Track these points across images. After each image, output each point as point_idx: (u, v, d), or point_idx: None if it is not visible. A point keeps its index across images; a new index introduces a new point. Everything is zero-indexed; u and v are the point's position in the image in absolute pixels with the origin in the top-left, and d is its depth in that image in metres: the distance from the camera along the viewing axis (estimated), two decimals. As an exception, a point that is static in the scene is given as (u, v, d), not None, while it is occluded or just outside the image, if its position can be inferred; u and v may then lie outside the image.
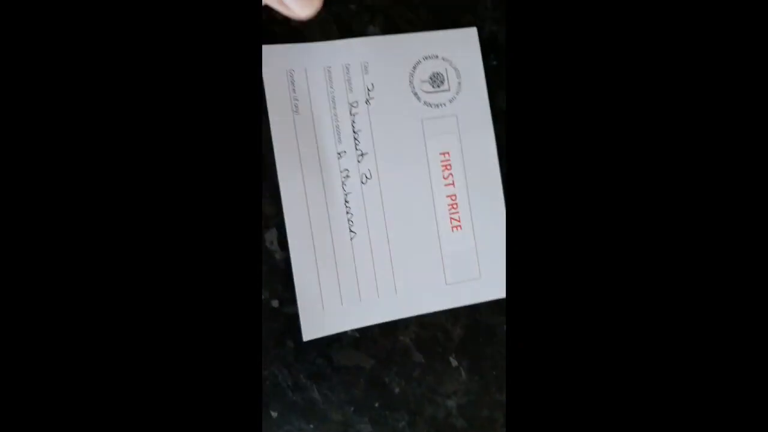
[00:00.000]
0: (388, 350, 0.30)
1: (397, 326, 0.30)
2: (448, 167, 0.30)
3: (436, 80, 0.30)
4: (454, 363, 0.31)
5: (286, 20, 0.29)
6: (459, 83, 0.31)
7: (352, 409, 0.30)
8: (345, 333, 0.30)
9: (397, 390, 0.31)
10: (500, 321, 0.32)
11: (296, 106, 0.29)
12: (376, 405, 0.31)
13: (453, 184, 0.30)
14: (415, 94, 0.30)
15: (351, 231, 0.29)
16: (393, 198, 0.30)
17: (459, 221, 0.31)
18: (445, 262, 0.30)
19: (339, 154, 0.29)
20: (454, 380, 0.31)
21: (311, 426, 0.30)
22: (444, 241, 0.30)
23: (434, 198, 0.30)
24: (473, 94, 0.31)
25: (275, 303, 0.29)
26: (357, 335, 0.30)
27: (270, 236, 0.29)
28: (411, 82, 0.30)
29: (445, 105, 0.30)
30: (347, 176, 0.29)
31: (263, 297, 0.29)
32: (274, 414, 0.29)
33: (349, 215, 0.29)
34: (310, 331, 0.29)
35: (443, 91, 0.30)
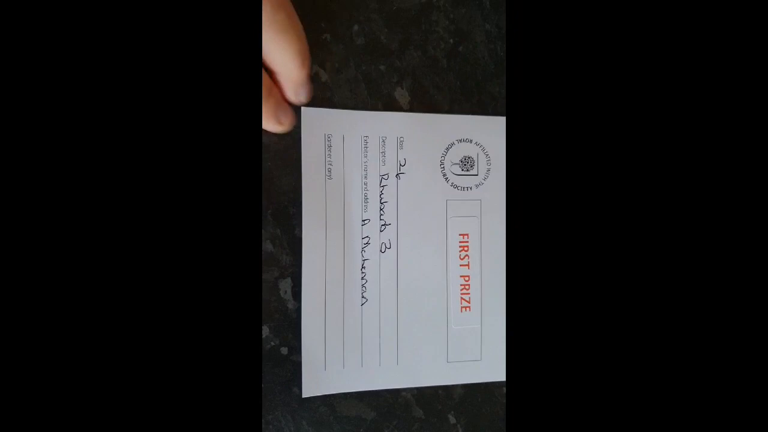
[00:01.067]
0: (390, 404, 0.31)
1: (401, 382, 0.31)
2: (466, 249, 0.31)
3: (467, 164, 0.31)
4: (453, 420, 0.32)
5: (316, 76, 0.30)
6: (488, 169, 0.31)
7: (350, 458, 0.31)
8: (350, 385, 0.30)
9: (395, 442, 0.31)
10: (500, 383, 0.32)
11: (329, 171, 0.29)
12: (374, 456, 0.31)
13: (468, 265, 0.31)
14: (444, 174, 0.31)
15: (363, 297, 0.30)
16: (408, 271, 0.30)
17: (469, 302, 0.31)
18: (450, 340, 0.31)
19: (363, 221, 0.30)
20: (451, 436, 0.32)
21: (305, 473, 0.31)
22: (452, 320, 0.31)
23: (448, 277, 0.31)
24: (501, 180, 0.31)
25: (284, 350, 0.30)
26: (361, 387, 0.31)
27: (284, 286, 0.30)
28: (442, 163, 0.31)
29: (471, 189, 0.31)
30: (368, 243, 0.30)
31: (274, 344, 0.30)
32: (273, 458, 0.30)
33: (364, 281, 0.30)
34: (309, 389, 0.29)
35: (472, 175, 0.31)
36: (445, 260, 0.31)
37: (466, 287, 0.31)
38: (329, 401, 0.30)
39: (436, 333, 0.31)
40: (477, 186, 0.31)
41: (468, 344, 0.31)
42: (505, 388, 0.32)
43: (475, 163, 0.31)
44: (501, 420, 0.32)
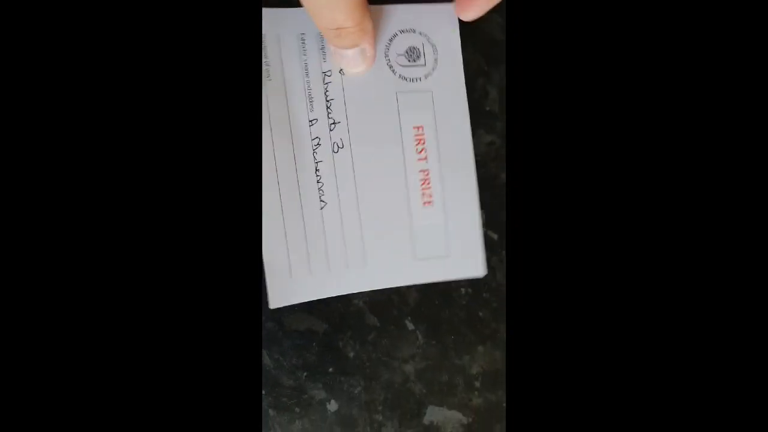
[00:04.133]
0: (342, 314, 0.29)
1: (351, 289, 0.29)
2: (422, 141, 0.29)
3: (413, 55, 0.29)
4: (411, 326, 0.30)
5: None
6: (435, 59, 0.29)
7: (305, 374, 0.29)
8: (296, 296, 0.29)
9: (351, 354, 0.30)
10: (456, 285, 0.31)
11: (267, 72, 0.27)
12: (330, 370, 0.29)
13: (426, 159, 0.29)
14: (391, 66, 0.28)
15: (321, 201, 0.27)
16: (365, 169, 0.28)
17: (430, 197, 0.29)
18: (415, 237, 0.29)
19: (311, 121, 0.27)
20: (411, 344, 0.30)
21: (263, 392, 0.29)
22: (415, 216, 0.29)
23: (407, 171, 0.29)
24: (449, 70, 0.29)
25: (224, 266, 0.28)
26: (309, 299, 0.29)
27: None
28: (386, 55, 0.28)
29: (420, 80, 0.29)
30: (318, 144, 0.27)
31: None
32: (225, 380, 0.28)
33: (320, 184, 0.27)
34: (277, 299, 0.27)
35: (419, 65, 0.29)
36: (402, 155, 0.28)
37: (426, 182, 0.29)
38: (276, 316, 0.28)
39: (401, 230, 0.29)
40: (426, 76, 0.29)
41: (434, 240, 0.29)
42: (463, 290, 0.31)
43: (422, 54, 0.29)
44: (462, 323, 0.31)
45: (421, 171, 0.29)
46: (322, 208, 0.28)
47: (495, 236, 0.31)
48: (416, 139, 0.29)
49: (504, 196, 0.31)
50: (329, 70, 0.28)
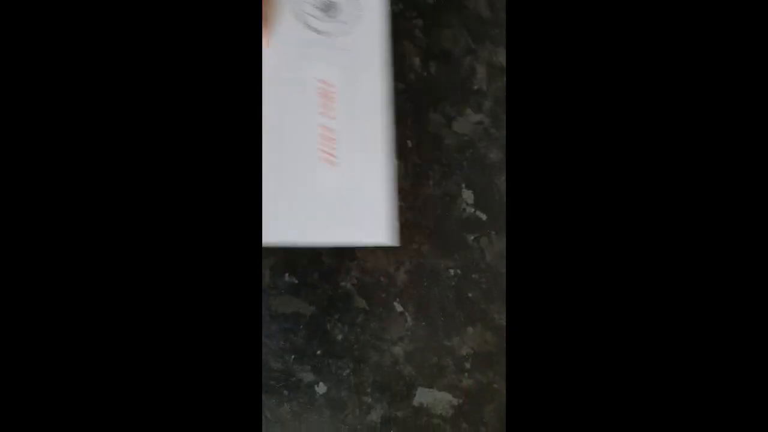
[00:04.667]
0: (329, 296, 0.29)
1: (338, 272, 0.29)
2: (331, 99, 0.27)
3: (329, 9, 0.28)
4: (399, 308, 0.30)
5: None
6: (357, 16, 0.28)
7: (293, 357, 0.29)
8: (282, 279, 0.28)
9: (339, 337, 0.29)
10: (445, 265, 0.30)
11: None
12: (318, 353, 0.29)
13: (335, 117, 0.27)
14: (299, 15, 0.28)
15: None
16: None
17: (333, 156, 0.27)
18: (317, 198, 0.27)
19: None
20: (400, 326, 0.30)
21: (252, 377, 0.29)
22: (318, 176, 0.27)
23: (306, 125, 0.27)
24: (370, 30, 0.28)
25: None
26: (295, 281, 0.28)
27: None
28: (298, 4, 0.28)
29: (336, 36, 0.28)
30: None
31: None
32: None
33: None
34: None
35: (338, 21, 0.28)
36: (301, 106, 0.27)
37: (331, 140, 0.27)
38: (263, 299, 0.28)
39: (301, 188, 0.27)
40: (344, 34, 0.28)
41: (337, 203, 0.27)
42: (452, 271, 0.30)
43: (341, 9, 0.28)
44: (451, 304, 0.30)
45: (321, 127, 0.27)
46: None
47: (483, 217, 0.31)
48: (320, 94, 0.28)
49: (492, 176, 0.31)
50: None
